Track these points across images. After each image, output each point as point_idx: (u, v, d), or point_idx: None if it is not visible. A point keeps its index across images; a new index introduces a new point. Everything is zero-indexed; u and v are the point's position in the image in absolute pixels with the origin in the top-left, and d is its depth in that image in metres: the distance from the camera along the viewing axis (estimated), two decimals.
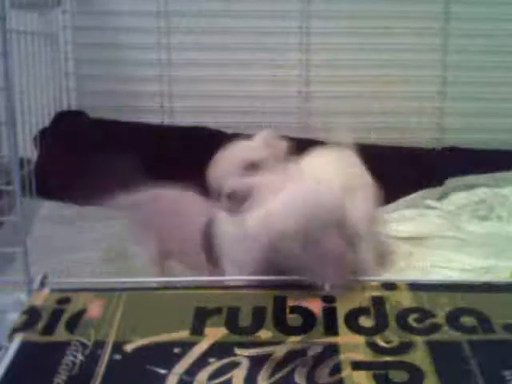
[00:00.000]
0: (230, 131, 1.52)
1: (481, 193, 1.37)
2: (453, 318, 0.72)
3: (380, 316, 0.73)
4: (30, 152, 1.42)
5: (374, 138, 1.50)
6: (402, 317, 0.72)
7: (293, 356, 0.66)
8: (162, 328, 0.71)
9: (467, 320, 0.71)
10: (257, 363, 0.65)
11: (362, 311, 0.73)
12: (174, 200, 1.00)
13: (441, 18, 1.55)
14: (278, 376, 0.64)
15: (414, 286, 0.78)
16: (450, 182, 1.39)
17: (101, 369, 0.65)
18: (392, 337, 0.69)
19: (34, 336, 0.71)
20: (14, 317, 0.75)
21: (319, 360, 0.66)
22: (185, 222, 0.96)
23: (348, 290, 0.77)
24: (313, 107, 1.61)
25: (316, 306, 0.74)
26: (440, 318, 0.72)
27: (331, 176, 0.92)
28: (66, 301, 0.76)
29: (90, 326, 0.72)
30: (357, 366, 0.65)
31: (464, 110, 1.57)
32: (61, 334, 0.71)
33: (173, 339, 0.69)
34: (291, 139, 1.53)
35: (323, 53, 1.57)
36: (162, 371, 0.65)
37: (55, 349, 0.68)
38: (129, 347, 0.68)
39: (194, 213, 0.96)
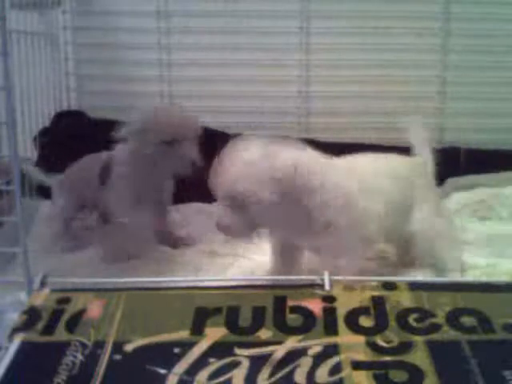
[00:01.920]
0: (230, 131, 1.52)
1: (481, 193, 1.37)
2: (453, 318, 0.72)
3: (380, 316, 0.73)
4: (30, 152, 1.42)
5: (373, 137, 1.50)
6: (402, 317, 0.72)
7: (293, 356, 0.66)
8: (162, 328, 0.71)
9: (467, 320, 0.71)
10: (257, 363, 0.65)
11: (362, 311, 0.73)
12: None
13: (441, 18, 1.55)
14: (278, 376, 0.64)
15: (414, 286, 0.78)
16: (450, 182, 1.39)
17: (101, 369, 0.65)
18: (392, 337, 0.69)
19: (34, 336, 0.71)
20: (14, 317, 0.75)
21: (319, 360, 0.66)
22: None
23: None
24: (313, 107, 1.61)
25: (316, 306, 0.74)
26: (440, 318, 0.72)
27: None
28: (66, 301, 0.77)
29: (90, 326, 0.72)
30: (357, 365, 0.65)
31: (464, 110, 1.56)
32: (61, 333, 0.71)
33: (173, 339, 0.70)
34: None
35: (323, 53, 1.57)
36: (162, 371, 0.65)
37: (55, 349, 0.68)
38: (129, 347, 0.68)
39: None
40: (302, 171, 0.85)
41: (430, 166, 1.10)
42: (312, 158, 0.89)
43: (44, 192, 1.37)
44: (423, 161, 1.09)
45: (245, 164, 0.84)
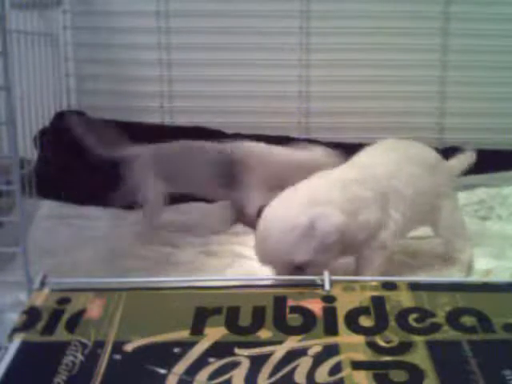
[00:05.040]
0: (229, 131, 1.52)
1: (481, 193, 1.38)
2: (453, 318, 0.72)
3: (380, 316, 0.73)
4: (30, 152, 1.42)
5: (374, 137, 1.50)
6: (402, 317, 0.72)
7: (293, 356, 0.66)
8: (162, 328, 0.71)
9: (467, 320, 0.71)
10: (257, 363, 0.65)
11: (362, 311, 0.73)
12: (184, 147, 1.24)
13: (441, 18, 1.55)
14: (278, 376, 0.64)
15: (414, 286, 0.78)
16: None
17: (101, 369, 0.65)
18: (392, 337, 0.69)
19: (34, 336, 0.71)
20: (14, 317, 0.75)
21: (319, 360, 0.66)
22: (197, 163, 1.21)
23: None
24: (313, 107, 1.61)
25: (316, 306, 0.74)
26: (440, 318, 0.72)
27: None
28: (66, 301, 0.77)
29: (90, 325, 0.72)
30: (357, 365, 0.65)
31: (464, 110, 1.57)
32: (61, 333, 0.71)
33: (173, 339, 0.70)
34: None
35: (323, 53, 1.57)
36: (162, 371, 0.65)
37: (55, 349, 0.68)
38: (129, 347, 0.68)
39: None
40: (344, 229, 0.87)
41: (456, 170, 1.12)
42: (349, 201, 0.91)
43: (44, 192, 1.37)
44: (453, 164, 1.11)
45: (292, 232, 0.86)
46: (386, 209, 0.94)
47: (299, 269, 0.86)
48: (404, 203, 0.96)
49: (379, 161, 1.00)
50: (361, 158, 1.02)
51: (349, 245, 0.90)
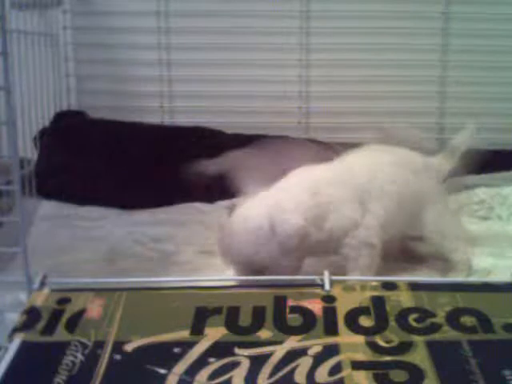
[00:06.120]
0: (229, 131, 1.52)
1: (481, 193, 1.37)
2: (453, 318, 0.72)
3: (380, 316, 0.73)
4: (30, 152, 1.42)
5: (373, 137, 1.50)
6: (402, 317, 0.72)
7: (293, 356, 0.66)
8: (162, 328, 0.71)
9: (467, 320, 0.71)
10: (257, 363, 0.65)
11: (362, 311, 0.74)
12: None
13: (441, 18, 1.55)
14: (277, 376, 0.64)
15: (414, 286, 0.78)
16: (450, 182, 1.39)
17: (101, 369, 0.65)
18: (392, 337, 0.69)
19: (34, 336, 0.71)
20: (14, 317, 0.75)
21: (319, 360, 0.66)
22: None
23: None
24: (313, 107, 1.61)
25: (316, 306, 0.74)
26: (440, 318, 0.72)
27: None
28: (66, 301, 0.77)
29: (90, 325, 0.72)
30: (357, 365, 0.65)
31: (464, 110, 1.57)
32: (61, 333, 0.71)
33: (173, 339, 0.70)
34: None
35: (323, 53, 1.57)
36: (162, 371, 0.65)
37: (55, 349, 0.68)
38: (129, 347, 0.68)
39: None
40: (309, 230, 0.88)
41: (444, 169, 1.10)
42: (317, 204, 0.91)
43: (44, 192, 1.37)
44: (439, 162, 1.10)
45: (252, 233, 0.87)
46: (365, 206, 0.94)
47: (260, 271, 0.87)
48: (388, 203, 0.95)
49: (364, 161, 1.00)
50: (347, 158, 1.02)
51: (318, 247, 0.91)
